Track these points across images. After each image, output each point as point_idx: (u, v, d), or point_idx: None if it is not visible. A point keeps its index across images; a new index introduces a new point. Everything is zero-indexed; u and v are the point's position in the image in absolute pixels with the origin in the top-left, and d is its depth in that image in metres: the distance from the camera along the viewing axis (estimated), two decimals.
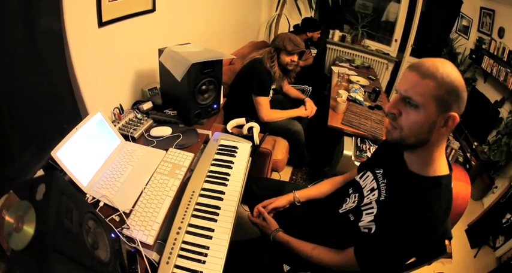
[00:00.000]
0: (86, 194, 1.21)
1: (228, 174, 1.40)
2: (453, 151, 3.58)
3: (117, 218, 1.14)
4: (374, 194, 1.11)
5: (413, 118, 0.87)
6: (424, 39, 4.25)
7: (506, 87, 2.99)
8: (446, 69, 0.84)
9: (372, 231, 1.02)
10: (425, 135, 0.89)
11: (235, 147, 1.56)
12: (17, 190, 0.82)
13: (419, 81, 0.85)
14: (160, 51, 1.62)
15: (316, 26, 3.51)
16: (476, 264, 2.36)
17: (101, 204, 1.18)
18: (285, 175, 2.75)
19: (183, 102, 1.65)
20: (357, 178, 1.26)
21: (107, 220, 1.09)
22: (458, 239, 2.52)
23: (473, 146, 3.19)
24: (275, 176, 2.47)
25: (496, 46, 3.25)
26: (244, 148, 1.57)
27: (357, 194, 1.20)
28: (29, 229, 0.70)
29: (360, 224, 1.08)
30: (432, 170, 0.95)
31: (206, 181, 1.36)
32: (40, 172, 1.21)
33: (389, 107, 0.93)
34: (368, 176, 1.20)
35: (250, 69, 2.25)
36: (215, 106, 1.78)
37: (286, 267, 1.25)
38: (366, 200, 1.13)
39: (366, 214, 1.08)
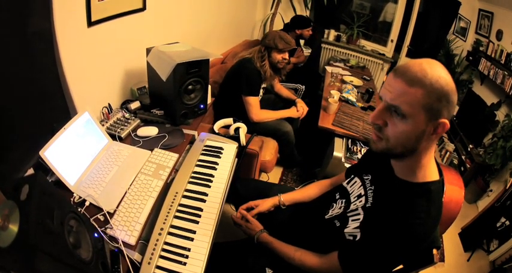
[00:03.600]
0: (73, 193, 1.21)
1: (212, 175, 1.41)
2: (448, 153, 3.58)
3: (101, 218, 1.15)
4: (361, 201, 1.08)
5: (400, 128, 0.82)
6: (421, 40, 4.24)
7: (503, 90, 2.97)
8: (436, 73, 0.77)
9: (357, 238, 1.00)
10: (413, 144, 0.84)
11: (221, 148, 1.56)
12: (3, 190, 0.84)
13: (407, 89, 0.78)
14: (148, 51, 1.62)
15: (305, 23, 3.42)
16: (470, 268, 2.35)
17: (87, 203, 1.19)
18: (275, 175, 2.74)
19: (169, 101, 1.66)
20: (344, 184, 1.24)
21: (91, 220, 1.10)
22: (451, 243, 2.51)
23: (469, 149, 3.18)
24: (264, 177, 2.47)
25: (493, 49, 3.25)
26: (229, 149, 1.57)
27: (343, 200, 1.18)
28: (14, 228, 0.72)
29: (345, 230, 1.05)
30: (421, 176, 0.91)
31: (190, 182, 1.37)
32: (31, 171, 1.23)
33: (374, 117, 0.87)
34: (356, 182, 1.18)
35: (239, 69, 2.24)
36: (202, 106, 1.78)
37: (269, 271, 1.24)
38: (352, 207, 1.10)
39: (352, 220, 1.06)
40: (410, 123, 0.80)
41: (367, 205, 1.05)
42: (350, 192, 1.18)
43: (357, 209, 1.08)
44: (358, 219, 1.04)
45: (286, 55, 2.28)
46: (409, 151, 0.86)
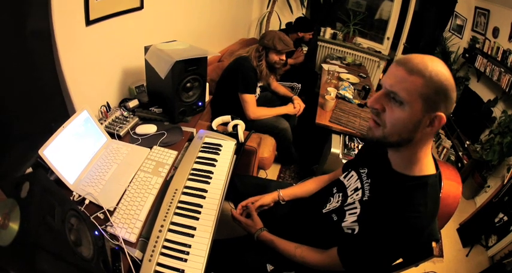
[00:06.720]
0: (73, 192, 1.21)
1: (211, 172, 1.41)
2: (445, 149, 3.59)
3: (101, 216, 1.15)
4: (358, 194, 1.09)
5: (397, 115, 0.83)
6: (417, 38, 4.23)
7: (500, 87, 2.99)
8: (436, 68, 0.79)
9: (355, 232, 1.00)
10: (409, 133, 0.85)
11: (219, 145, 1.57)
12: (3, 188, 0.83)
13: (406, 76, 0.80)
14: (146, 49, 1.63)
15: (310, 27, 3.49)
16: (468, 264, 2.35)
17: (87, 202, 1.19)
18: (273, 173, 2.74)
19: (167, 99, 1.66)
20: (341, 178, 1.24)
21: (91, 218, 1.11)
22: (449, 238, 2.53)
23: (466, 145, 3.19)
24: (262, 174, 2.47)
25: (490, 46, 3.27)
26: (228, 146, 1.57)
27: (340, 194, 1.19)
28: (14, 226, 0.72)
29: (343, 224, 1.06)
30: (418, 169, 0.92)
31: (189, 179, 1.37)
32: (30, 170, 1.22)
33: (372, 102, 0.88)
34: (352, 175, 1.18)
35: (236, 67, 2.24)
36: (200, 103, 1.78)
37: (269, 267, 1.24)
38: (349, 200, 1.11)
39: (349, 214, 1.06)
40: (407, 110, 0.82)
41: (363, 199, 1.06)
42: (347, 186, 1.18)
43: (353, 203, 1.08)
44: (355, 212, 1.05)
45: (284, 57, 2.28)
46: (405, 140, 0.87)
